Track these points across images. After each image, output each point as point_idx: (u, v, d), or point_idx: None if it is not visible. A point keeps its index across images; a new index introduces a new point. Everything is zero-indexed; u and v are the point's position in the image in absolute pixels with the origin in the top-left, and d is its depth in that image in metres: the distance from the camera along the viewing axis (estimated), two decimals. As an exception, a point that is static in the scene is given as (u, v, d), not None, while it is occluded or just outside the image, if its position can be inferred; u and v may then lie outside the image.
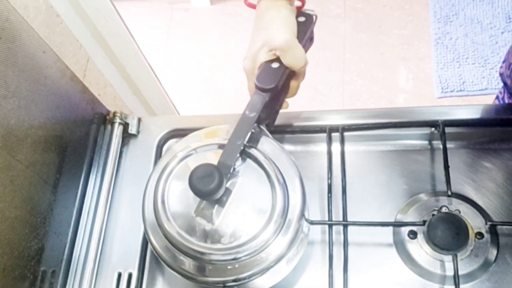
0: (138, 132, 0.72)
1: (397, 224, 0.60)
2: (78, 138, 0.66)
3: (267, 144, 0.55)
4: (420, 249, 0.58)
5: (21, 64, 0.54)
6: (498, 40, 1.62)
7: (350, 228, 0.59)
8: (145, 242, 0.63)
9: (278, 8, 0.54)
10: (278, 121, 0.62)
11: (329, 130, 0.65)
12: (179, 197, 0.53)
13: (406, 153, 0.66)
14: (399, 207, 0.62)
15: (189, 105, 1.68)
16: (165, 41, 1.86)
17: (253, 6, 0.57)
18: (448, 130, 0.62)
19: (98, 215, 0.65)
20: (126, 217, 0.66)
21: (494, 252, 0.57)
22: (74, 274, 0.62)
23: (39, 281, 0.58)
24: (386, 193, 0.63)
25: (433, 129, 0.64)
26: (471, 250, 0.57)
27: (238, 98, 1.63)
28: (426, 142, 0.66)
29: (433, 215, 0.58)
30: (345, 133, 0.65)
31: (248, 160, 0.54)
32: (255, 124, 0.54)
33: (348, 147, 0.65)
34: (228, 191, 0.52)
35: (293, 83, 0.58)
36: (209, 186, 0.47)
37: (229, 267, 0.50)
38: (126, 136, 0.71)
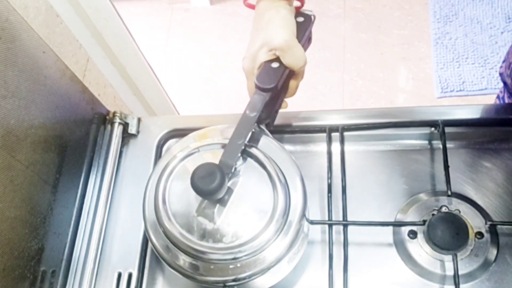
0: (138, 132, 0.72)
1: (397, 224, 0.60)
2: (78, 138, 0.66)
3: (267, 144, 0.55)
4: (420, 249, 0.58)
5: (21, 64, 0.54)
6: (497, 40, 1.62)
7: (350, 228, 0.59)
8: (145, 242, 0.63)
9: (277, 9, 0.54)
10: (278, 121, 0.62)
11: (329, 130, 0.65)
12: (180, 196, 0.53)
13: (406, 153, 0.66)
14: (399, 207, 0.62)
15: (189, 105, 1.68)
16: (165, 41, 1.86)
17: (252, 7, 0.57)
18: (448, 130, 0.62)
19: (98, 215, 0.65)
20: (126, 217, 0.66)
21: (494, 252, 0.57)
22: (74, 274, 0.62)
23: (39, 281, 0.58)
24: (386, 193, 0.63)
25: (433, 129, 0.64)
26: (471, 250, 0.57)
27: (238, 98, 1.63)
28: (426, 142, 0.66)
29: (433, 215, 0.58)
30: (345, 133, 0.65)
31: (249, 160, 0.54)
32: (255, 124, 0.54)
33: (348, 147, 0.65)
34: (229, 191, 0.52)
35: (292, 83, 0.58)
36: (211, 185, 0.47)
37: (229, 266, 0.50)
38: (126, 136, 0.71)
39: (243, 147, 0.53)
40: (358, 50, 1.70)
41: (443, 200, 0.60)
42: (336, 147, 0.64)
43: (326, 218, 0.61)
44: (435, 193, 0.62)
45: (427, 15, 1.72)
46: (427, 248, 0.58)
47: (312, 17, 0.58)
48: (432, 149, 0.66)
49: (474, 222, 0.58)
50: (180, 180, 0.54)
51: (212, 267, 0.51)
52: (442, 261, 0.57)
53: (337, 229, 0.60)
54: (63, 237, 0.63)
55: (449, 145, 0.63)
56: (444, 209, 0.59)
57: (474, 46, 1.62)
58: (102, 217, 0.65)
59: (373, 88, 1.62)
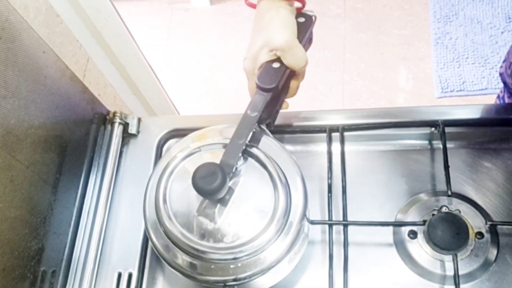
0: (138, 132, 0.72)
1: (397, 224, 0.60)
2: (78, 138, 0.66)
3: (268, 144, 0.55)
4: (420, 249, 0.58)
5: (21, 64, 0.54)
6: (498, 40, 1.62)
7: (350, 228, 0.59)
8: (145, 242, 0.63)
9: (278, 9, 0.54)
10: (278, 121, 0.62)
11: (329, 130, 0.65)
12: (180, 196, 0.53)
13: (406, 153, 0.66)
14: (399, 207, 0.62)
15: (189, 105, 1.68)
16: (165, 41, 1.86)
17: (253, 6, 0.57)
18: (448, 130, 0.62)
19: (98, 215, 0.65)
20: (126, 217, 0.66)
21: (494, 252, 0.57)
22: (74, 274, 0.62)
23: (39, 281, 0.58)
24: (386, 193, 0.63)
25: (433, 129, 0.64)
26: (471, 250, 0.57)
27: (238, 98, 1.63)
28: (426, 142, 0.66)
29: (433, 215, 0.58)
30: (345, 133, 0.65)
31: (250, 160, 0.54)
32: (256, 124, 0.54)
33: (348, 147, 0.65)
34: (230, 190, 0.52)
35: (293, 83, 0.58)
36: (212, 185, 0.47)
37: (230, 266, 0.50)
38: (126, 136, 0.71)
39: (244, 147, 0.53)
40: (358, 50, 1.70)
41: (443, 200, 0.60)
42: (336, 147, 0.64)
43: (326, 218, 0.61)
44: (435, 193, 0.62)
45: (427, 15, 1.72)
46: (427, 248, 0.58)
47: (313, 17, 0.58)
48: (432, 149, 0.66)
49: (474, 222, 0.58)
50: (180, 180, 0.54)
51: (212, 266, 0.51)
52: (442, 261, 0.57)
53: (337, 229, 0.60)
54: (63, 237, 0.63)
55: (449, 145, 0.63)
56: (444, 209, 0.59)
57: (474, 46, 1.62)
58: (102, 217, 0.65)
59: (373, 88, 1.62)
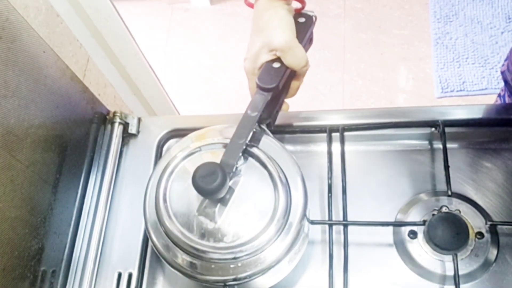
0: (138, 132, 0.72)
1: (397, 224, 0.60)
2: (78, 138, 0.66)
3: (268, 144, 0.55)
4: (420, 249, 0.58)
5: (21, 64, 0.54)
6: (498, 40, 1.62)
7: (350, 228, 0.59)
8: (145, 242, 0.63)
9: (276, 9, 0.54)
10: (278, 121, 0.62)
11: (329, 130, 0.65)
12: (180, 196, 0.53)
13: (406, 153, 0.66)
14: (399, 207, 0.62)
15: (189, 105, 1.68)
16: (165, 41, 1.86)
17: (252, 6, 0.57)
18: (448, 130, 0.62)
19: (98, 215, 0.65)
20: (126, 217, 0.66)
21: (494, 252, 0.57)
22: (74, 274, 0.62)
23: (39, 281, 0.58)
24: (386, 193, 0.63)
25: (433, 129, 0.64)
26: (471, 250, 0.57)
27: (238, 98, 1.63)
28: (426, 142, 0.66)
29: (433, 215, 0.58)
30: (345, 133, 0.65)
31: (250, 159, 0.54)
32: (256, 124, 0.54)
33: (348, 147, 0.65)
34: (230, 190, 0.52)
35: (294, 84, 0.58)
36: (212, 184, 0.47)
37: (230, 266, 0.50)
38: (126, 136, 0.71)
39: (244, 147, 0.53)
40: (358, 50, 1.70)
41: (443, 200, 0.60)
42: (336, 147, 0.64)
43: (327, 218, 0.61)
44: (435, 193, 0.62)
45: (427, 15, 1.72)
46: (427, 248, 0.58)
47: (314, 18, 0.58)
48: (432, 149, 0.66)
49: (475, 222, 0.58)
50: (180, 179, 0.54)
51: (212, 266, 0.51)
52: (442, 261, 0.57)
53: (337, 229, 0.60)
54: (63, 237, 0.63)
55: (449, 145, 0.63)
56: (444, 209, 0.59)
57: (474, 46, 1.62)
58: (102, 217, 0.65)
59: (373, 88, 1.62)
